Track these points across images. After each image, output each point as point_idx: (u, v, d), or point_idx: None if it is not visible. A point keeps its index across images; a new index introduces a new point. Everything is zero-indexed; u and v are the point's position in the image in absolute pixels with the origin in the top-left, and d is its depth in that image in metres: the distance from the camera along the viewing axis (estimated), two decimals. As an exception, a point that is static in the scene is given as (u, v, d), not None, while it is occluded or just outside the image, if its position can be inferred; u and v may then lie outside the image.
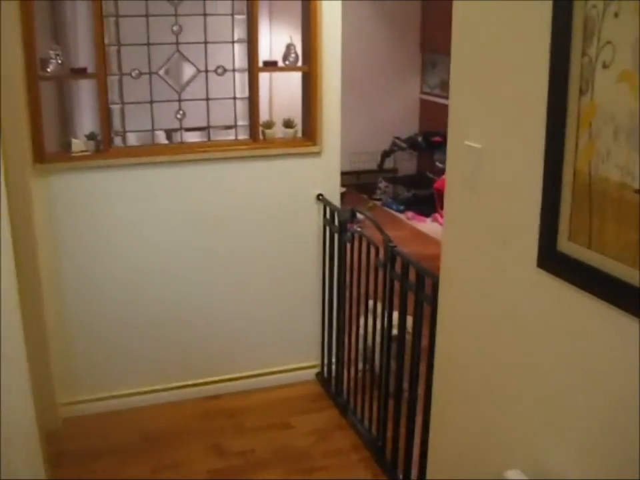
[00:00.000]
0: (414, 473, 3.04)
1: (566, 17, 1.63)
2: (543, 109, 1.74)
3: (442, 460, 2.55)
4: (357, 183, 8.38)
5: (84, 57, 3.59)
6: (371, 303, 3.50)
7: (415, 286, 2.85)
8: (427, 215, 7.50)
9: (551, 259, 1.76)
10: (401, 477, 3.17)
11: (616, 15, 1.49)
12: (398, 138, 8.30)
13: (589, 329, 1.67)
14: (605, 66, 1.54)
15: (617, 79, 1.51)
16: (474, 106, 2.13)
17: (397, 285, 3.09)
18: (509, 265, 1.97)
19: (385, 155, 8.37)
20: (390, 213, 7.76)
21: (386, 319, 3.28)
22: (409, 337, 3.12)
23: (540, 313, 1.86)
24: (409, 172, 8.67)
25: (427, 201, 7.58)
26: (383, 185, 8.20)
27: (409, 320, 3.06)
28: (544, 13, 1.70)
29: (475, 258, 2.17)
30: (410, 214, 7.59)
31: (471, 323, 2.24)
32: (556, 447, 1.83)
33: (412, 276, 2.92)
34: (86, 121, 3.87)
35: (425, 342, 2.81)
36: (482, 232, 2.12)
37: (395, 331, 3.28)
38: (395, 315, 3.21)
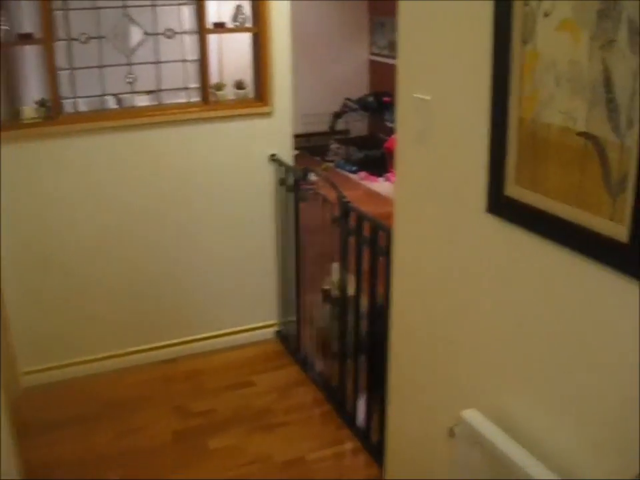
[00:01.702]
0: (374, 422, 3.13)
1: (508, -33, 1.68)
2: (488, 58, 1.79)
3: (401, 407, 2.64)
4: (309, 146, 8.37)
5: (29, 22, 3.53)
6: (334, 265, 3.55)
7: (369, 239, 2.91)
8: (379, 175, 7.55)
9: (499, 204, 1.83)
10: (361, 423, 3.25)
11: (555, -36, 1.54)
12: (349, 99, 8.30)
13: (537, 268, 1.75)
14: (546, 15, 1.60)
15: (557, 27, 1.57)
16: (422, 59, 2.17)
17: (352, 241, 3.15)
18: (459, 212, 2.04)
19: (336, 116, 8.36)
20: (343, 174, 7.78)
21: (341, 280, 3.35)
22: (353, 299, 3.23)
23: (490, 257, 1.93)
24: (361, 133, 8.70)
25: (379, 161, 7.62)
26: (334, 146, 8.20)
27: (360, 283, 3.15)
28: (486, -35, 1.75)
29: (427, 208, 2.24)
30: (362, 174, 7.63)
31: (424, 271, 2.30)
32: (521, 399, 1.91)
33: (366, 231, 2.97)
34: (33, 88, 3.82)
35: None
36: (432, 182, 2.18)
37: (336, 292, 3.38)
38: (351, 278, 3.28)
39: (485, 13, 1.78)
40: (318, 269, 3.69)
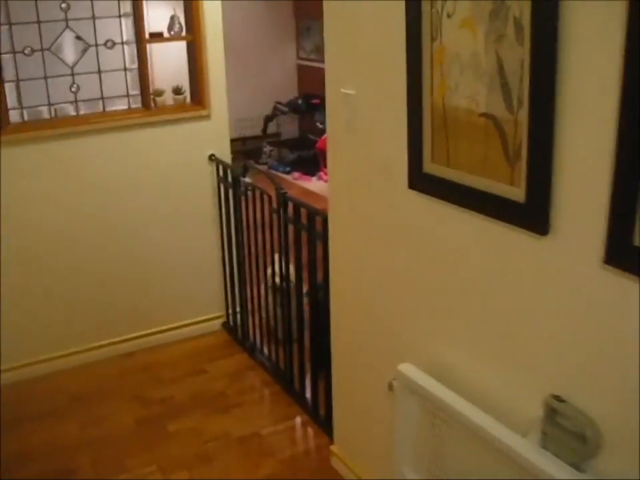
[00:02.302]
0: (321, 397, 3.38)
1: (414, -25, 1.96)
2: (402, 55, 2.08)
3: (344, 374, 2.90)
4: (244, 150, 8.61)
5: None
6: (276, 256, 3.79)
7: (307, 226, 3.17)
8: (312, 174, 7.84)
9: (419, 179, 2.12)
10: (309, 399, 3.51)
11: (453, -28, 1.82)
12: (279, 102, 8.58)
13: (454, 232, 2.04)
14: (449, 15, 1.89)
15: (459, 25, 1.86)
16: (346, 57, 2.45)
17: (291, 229, 3.40)
18: (385, 190, 2.32)
19: (268, 119, 8.63)
20: (277, 175, 8.05)
21: (282, 269, 3.61)
22: (293, 285, 3.50)
23: (415, 227, 2.22)
24: (292, 135, 8.99)
25: (311, 161, 7.92)
26: (267, 149, 8.47)
27: (301, 270, 3.41)
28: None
29: (357, 190, 2.51)
30: (296, 174, 7.91)
31: (358, 246, 2.58)
32: (448, 350, 2.19)
33: (304, 219, 3.23)
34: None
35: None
36: (361, 166, 2.46)
37: (277, 280, 3.65)
38: (292, 268, 3.54)
39: (399, 15, 2.06)
40: (261, 262, 3.92)
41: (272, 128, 8.83)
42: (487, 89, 1.79)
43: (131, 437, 3.39)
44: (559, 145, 1.63)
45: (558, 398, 1.77)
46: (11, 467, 3.13)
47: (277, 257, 3.74)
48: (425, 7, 1.95)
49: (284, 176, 7.99)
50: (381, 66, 2.24)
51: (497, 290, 1.93)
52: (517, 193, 1.76)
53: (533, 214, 1.73)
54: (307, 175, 7.84)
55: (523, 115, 1.69)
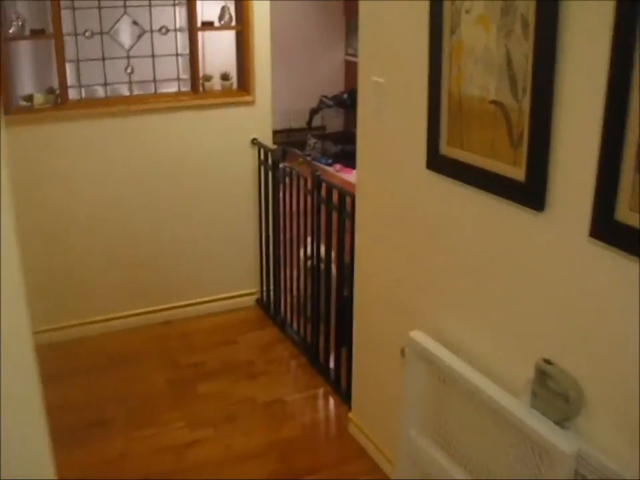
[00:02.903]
0: (343, 371, 3.59)
1: (439, -25, 2.16)
2: (425, 47, 2.28)
3: (363, 344, 3.12)
4: (288, 141, 8.82)
5: (31, 19, 3.97)
6: (309, 239, 4.01)
7: (337, 206, 3.39)
8: (354, 167, 8.01)
9: (436, 161, 2.32)
10: (332, 371, 3.72)
11: (472, -27, 2.02)
12: (325, 96, 8.79)
13: (464, 210, 2.25)
14: (467, 12, 2.09)
15: (475, 22, 2.06)
16: (377, 49, 2.67)
17: (323, 211, 3.62)
18: (407, 171, 2.53)
19: (313, 112, 8.85)
20: (320, 166, 8.26)
21: (313, 251, 3.83)
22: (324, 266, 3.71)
23: (431, 204, 2.42)
24: (337, 129, 9.19)
25: (354, 155, 8.09)
26: (312, 141, 8.69)
27: (330, 251, 3.63)
28: (424, -27, 2.24)
29: (381, 172, 2.73)
30: (338, 166, 8.12)
31: (381, 223, 2.79)
32: (454, 320, 2.39)
33: (335, 199, 3.45)
34: (43, 78, 4.27)
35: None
36: (386, 149, 2.67)
37: (309, 262, 3.87)
38: (322, 249, 3.76)
39: (423, 11, 2.26)
40: (295, 243, 4.15)
41: (317, 121, 9.05)
42: (497, 79, 1.99)
43: (163, 396, 3.64)
44: (556, 131, 1.83)
45: (547, 361, 1.96)
46: (52, 415, 3.39)
47: (309, 239, 3.96)
48: (446, 4, 2.15)
49: (326, 168, 8.19)
50: (406, 57, 2.45)
51: (497, 262, 2.13)
52: (518, 173, 1.96)
53: (531, 192, 1.93)
54: (348, 168, 8.04)
55: (526, 103, 1.89)
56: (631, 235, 1.63)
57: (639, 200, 1.59)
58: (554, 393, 1.95)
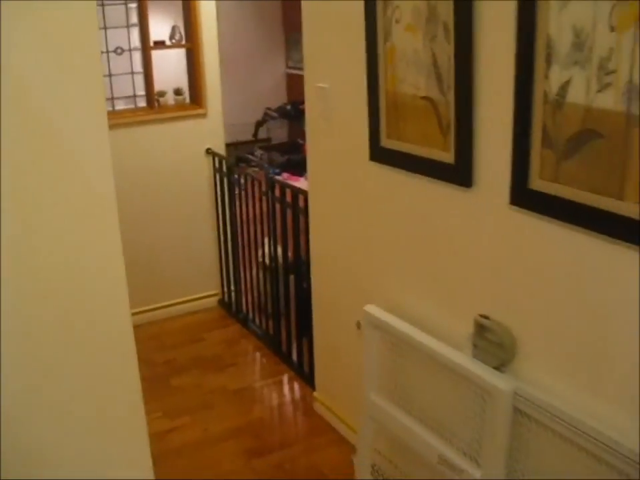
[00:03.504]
0: (305, 356, 3.89)
1: (371, -9, 2.50)
2: (363, 53, 2.60)
3: (322, 323, 3.42)
4: (236, 155, 9.09)
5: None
6: (266, 239, 4.30)
7: (291, 204, 3.70)
8: (301, 175, 8.33)
9: (378, 153, 2.65)
10: (295, 359, 4.02)
11: (399, -12, 2.36)
12: (269, 109, 9.08)
13: (403, 193, 2.58)
14: (397, 21, 2.42)
15: (404, 29, 2.39)
16: (320, 58, 3.00)
17: (278, 210, 3.92)
18: (353, 164, 2.85)
19: (259, 124, 9.12)
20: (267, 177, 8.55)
21: (270, 250, 4.13)
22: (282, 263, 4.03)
23: (375, 191, 2.75)
24: (282, 139, 9.49)
25: (300, 164, 8.39)
26: (258, 152, 8.96)
27: (287, 249, 3.93)
28: (358, -10, 2.57)
29: (330, 167, 3.05)
30: (285, 175, 8.40)
31: (332, 214, 3.11)
32: (403, 291, 2.71)
33: (289, 198, 3.76)
34: None
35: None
36: (333, 146, 2.99)
37: (267, 261, 4.17)
38: (279, 248, 4.06)
39: (359, 22, 2.59)
40: (253, 244, 4.44)
41: (263, 133, 9.33)
42: (425, 78, 2.33)
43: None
44: (477, 118, 2.17)
45: (484, 316, 2.29)
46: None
47: (266, 240, 4.25)
48: (380, 15, 2.48)
49: (274, 177, 8.47)
50: (347, 64, 2.77)
51: (435, 235, 2.47)
52: (448, 156, 2.29)
53: (460, 172, 2.26)
54: (295, 176, 8.33)
55: (451, 97, 2.23)
56: (543, 199, 1.98)
57: (547, 170, 1.94)
58: (491, 342, 2.27)
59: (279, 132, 9.45)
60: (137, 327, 4.32)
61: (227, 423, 3.57)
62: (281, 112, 8.98)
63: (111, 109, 4.49)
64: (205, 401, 3.76)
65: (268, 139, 9.43)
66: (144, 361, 4.16)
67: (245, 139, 9.25)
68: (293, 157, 8.67)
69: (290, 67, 9.46)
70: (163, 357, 4.25)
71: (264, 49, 9.38)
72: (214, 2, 4.42)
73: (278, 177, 8.41)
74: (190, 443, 3.42)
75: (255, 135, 9.19)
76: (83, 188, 1.58)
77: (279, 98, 9.40)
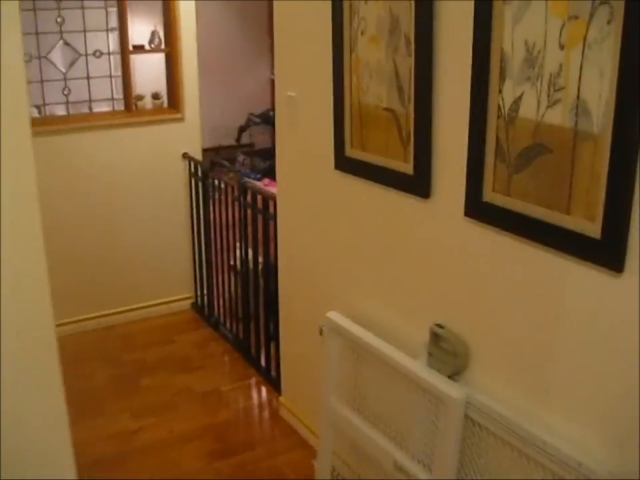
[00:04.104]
0: (273, 361, 3.93)
1: (338, 3, 2.53)
2: (330, 64, 2.65)
3: (288, 330, 3.46)
4: (219, 159, 9.11)
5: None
6: (238, 244, 4.33)
7: (262, 210, 3.74)
8: (282, 181, 8.38)
9: (342, 162, 2.69)
10: (263, 363, 4.05)
11: (365, 1, 2.40)
12: (252, 114, 9.12)
13: (365, 201, 2.62)
14: (362, 33, 2.46)
15: (368, 41, 2.43)
16: (290, 68, 3.04)
17: (250, 215, 3.96)
18: (319, 172, 2.89)
19: (242, 130, 9.15)
20: (248, 181, 8.57)
21: (242, 255, 4.16)
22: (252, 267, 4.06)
23: (339, 199, 2.79)
24: (265, 145, 9.51)
25: (281, 170, 8.44)
26: (241, 158, 8.98)
27: (257, 254, 3.97)
28: (327, 5, 2.60)
29: (298, 175, 3.09)
30: (267, 181, 8.43)
31: (298, 220, 3.15)
32: (364, 298, 2.75)
33: (260, 204, 3.80)
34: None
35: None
36: (301, 155, 3.04)
37: (238, 265, 4.21)
38: (250, 253, 4.09)
39: (327, 33, 2.63)
40: (225, 249, 4.47)
41: (245, 138, 9.36)
42: (387, 89, 2.37)
43: (107, 390, 3.93)
44: (435, 131, 2.22)
45: (439, 325, 2.33)
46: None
47: (238, 244, 4.28)
48: (346, 26, 2.53)
49: (255, 182, 8.50)
50: (315, 73, 2.82)
51: (394, 244, 2.51)
52: (408, 167, 2.34)
53: (419, 183, 2.31)
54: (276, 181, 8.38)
55: (411, 109, 2.28)
56: (495, 212, 2.02)
57: (499, 183, 1.98)
58: (446, 351, 2.32)
59: (261, 137, 9.48)
60: (109, 328, 4.44)
61: (191, 424, 3.59)
62: (264, 117, 9.01)
63: (88, 111, 4.51)
64: (172, 402, 3.79)
65: (251, 144, 9.47)
66: (114, 361, 4.25)
67: (228, 144, 9.28)
68: (275, 163, 8.70)
69: (274, 73, 9.50)
70: (133, 356, 4.28)
71: (249, 55, 9.42)
72: (193, 7, 4.46)
73: (258, 182, 8.47)
74: (154, 443, 3.44)
75: (238, 139, 9.22)
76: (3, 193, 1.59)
77: (263, 103, 9.43)
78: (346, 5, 2.51)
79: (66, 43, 4.39)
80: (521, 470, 2.05)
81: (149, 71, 5.06)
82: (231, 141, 9.26)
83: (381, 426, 2.62)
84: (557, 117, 1.79)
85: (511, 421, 2.05)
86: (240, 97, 9.32)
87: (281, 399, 3.65)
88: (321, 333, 2.90)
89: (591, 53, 1.67)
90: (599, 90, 1.67)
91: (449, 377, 2.30)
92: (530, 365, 2.04)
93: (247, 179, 8.47)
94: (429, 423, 2.36)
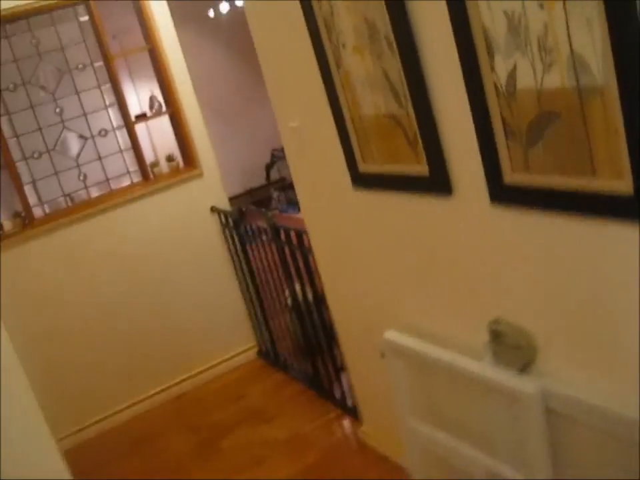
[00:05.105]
0: (347, 391, 3.84)
1: (312, 19, 2.47)
2: (322, 86, 2.57)
3: (354, 360, 3.37)
4: (253, 201, 9.13)
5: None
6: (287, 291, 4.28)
7: (297, 244, 3.67)
8: (320, 208, 8.31)
9: (358, 179, 2.61)
10: (338, 396, 3.96)
11: (338, 13, 2.33)
12: (275, 149, 9.11)
13: (390, 213, 2.54)
14: (344, 46, 2.39)
15: (352, 53, 2.36)
16: (285, 99, 2.98)
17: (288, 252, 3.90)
18: (339, 195, 2.81)
19: (269, 167, 9.15)
20: (290, 216, 8.53)
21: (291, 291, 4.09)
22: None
23: (365, 218, 2.71)
24: (295, 177, 9.49)
25: (317, 197, 8.38)
26: (275, 194, 8.98)
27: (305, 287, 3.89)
28: (303, 27, 2.54)
29: (320, 201, 3.02)
30: (305, 211, 8.40)
31: (333, 247, 3.07)
32: (414, 310, 2.66)
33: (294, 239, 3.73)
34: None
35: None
36: (317, 181, 2.97)
37: (289, 301, 4.13)
38: (297, 287, 4.01)
39: (310, 55, 2.56)
40: (274, 290, 4.41)
41: (275, 174, 9.36)
42: (382, 95, 2.29)
43: (191, 459, 3.88)
44: (440, 125, 2.12)
45: (496, 321, 2.22)
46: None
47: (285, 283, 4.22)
48: (326, 43, 2.46)
49: (296, 215, 8.45)
50: (310, 98, 2.74)
51: (429, 250, 2.41)
52: (423, 169, 2.24)
53: (437, 181, 2.21)
54: (315, 210, 8.31)
55: (410, 108, 2.18)
56: (520, 191, 1.91)
57: (518, 162, 1.88)
58: (509, 346, 2.20)
59: (289, 170, 9.45)
60: (180, 396, 4.40)
61: (282, 474, 3.52)
62: (287, 150, 8.98)
63: (108, 190, 4.51)
64: (258, 456, 3.72)
65: (282, 179, 9.45)
66: (191, 429, 4.20)
67: (259, 184, 9.28)
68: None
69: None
70: (209, 420, 4.23)
71: (255, 92, 9.38)
72: (184, 64, 4.43)
73: (298, 215, 8.42)
74: (248, 503, 3.39)
75: (268, 177, 9.21)
76: None
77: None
78: (320, 22, 2.44)
79: (70, 130, 4.41)
80: (617, 453, 1.92)
81: (158, 134, 5.07)
82: (261, 181, 9.26)
83: (464, 436, 2.51)
84: (556, 79, 1.69)
85: (594, 404, 1.92)
86: (259, 135, 9.31)
87: (363, 427, 3.56)
88: (382, 356, 2.81)
89: (573, 4, 1.56)
90: (591, 40, 1.56)
91: (520, 371, 2.18)
92: (599, 341, 1.92)
93: (288, 214, 8.48)
94: (511, 423, 2.25)
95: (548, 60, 1.69)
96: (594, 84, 1.60)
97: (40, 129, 4.27)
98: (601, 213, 1.72)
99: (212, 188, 4.62)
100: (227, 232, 4.58)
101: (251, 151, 9.18)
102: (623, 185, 1.61)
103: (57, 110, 4.33)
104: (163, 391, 4.61)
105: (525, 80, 1.77)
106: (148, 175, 4.50)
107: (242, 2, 7.96)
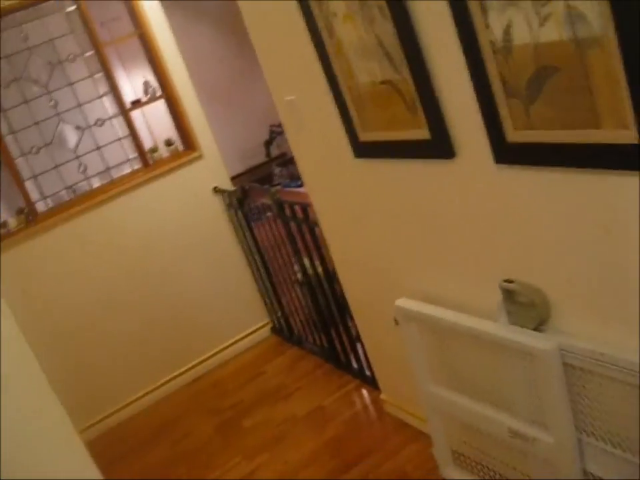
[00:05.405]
0: (364, 361, 3.84)
1: (302, -7, 2.44)
2: (315, 58, 2.54)
3: (367, 330, 3.37)
4: (255, 179, 9.08)
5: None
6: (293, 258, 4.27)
7: (303, 219, 3.65)
8: (323, 181, 8.28)
9: (360, 149, 2.59)
10: (355, 366, 3.97)
11: (326, -18, 2.30)
12: (273, 125, 9.05)
13: (391, 181, 2.52)
14: (334, 15, 2.36)
15: (343, 21, 2.33)
16: (280, 72, 2.95)
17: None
18: (341, 166, 2.79)
19: (268, 144, 9.10)
20: (292, 191, 8.50)
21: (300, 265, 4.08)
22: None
23: (369, 187, 2.69)
24: (296, 151, 9.44)
25: (319, 169, 8.35)
26: (277, 170, 8.93)
27: (314, 260, 3.88)
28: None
29: (322, 174, 3.00)
30: (308, 185, 8.38)
31: (339, 217, 3.06)
32: (425, 275, 2.64)
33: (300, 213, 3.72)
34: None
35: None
36: (318, 154, 2.94)
37: (299, 276, 4.13)
38: (306, 261, 4.00)
39: (301, 26, 2.53)
40: (283, 265, 4.41)
41: (275, 150, 9.30)
42: (378, 62, 2.26)
43: (214, 440, 3.90)
44: (438, 87, 2.10)
45: (508, 280, 2.21)
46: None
47: (294, 258, 4.22)
48: (316, 13, 2.42)
49: (298, 190, 8.41)
50: (304, 70, 2.71)
51: (436, 214, 2.40)
52: (424, 133, 2.22)
53: (439, 144, 2.19)
54: (318, 183, 8.28)
55: (407, 73, 2.16)
56: (525, 149, 1.89)
57: (520, 120, 1.85)
58: (523, 304, 2.19)
59: (288, 145, 9.40)
60: (197, 380, 4.42)
61: (304, 449, 3.53)
62: (286, 125, 8.93)
63: (109, 179, 4.50)
64: (279, 433, 3.74)
65: (282, 154, 9.39)
66: (212, 410, 4.22)
67: (260, 162, 9.23)
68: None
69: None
70: (229, 401, 4.25)
71: (249, 70, 9.33)
72: (175, 47, 4.40)
73: (301, 189, 8.39)
74: (274, 477, 3.40)
75: (268, 154, 9.16)
76: None
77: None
78: (310, -8, 2.41)
79: (66, 123, 4.39)
80: (637, 404, 1.91)
81: (154, 120, 5.04)
82: (262, 158, 9.20)
83: (484, 398, 2.51)
84: (553, 32, 1.66)
85: (611, 355, 1.92)
86: (256, 112, 9.22)
87: (382, 395, 3.56)
88: (396, 323, 2.80)
89: (565, -46, 1.53)
90: (586, -10, 1.53)
91: (535, 329, 2.17)
92: (611, 292, 1.91)
93: (291, 189, 8.44)
94: (530, 382, 2.24)
95: (543, 13, 1.66)
96: (592, 35, 1.57)
97: (36, 123, 4.25)
98: (606, 164, 1.70)
99: (213, 169, 4.60)
100: (232, 212, 4.57)
101: (249, 129, 9.11)
102: (629, 135, 1.59)
103: (52, 103, 4.30)
104: (179, 375, 4.62)
105: (521, 35, 1.74)
106: (147, 161, 4.47)
107: (228, -21, 7.88)
